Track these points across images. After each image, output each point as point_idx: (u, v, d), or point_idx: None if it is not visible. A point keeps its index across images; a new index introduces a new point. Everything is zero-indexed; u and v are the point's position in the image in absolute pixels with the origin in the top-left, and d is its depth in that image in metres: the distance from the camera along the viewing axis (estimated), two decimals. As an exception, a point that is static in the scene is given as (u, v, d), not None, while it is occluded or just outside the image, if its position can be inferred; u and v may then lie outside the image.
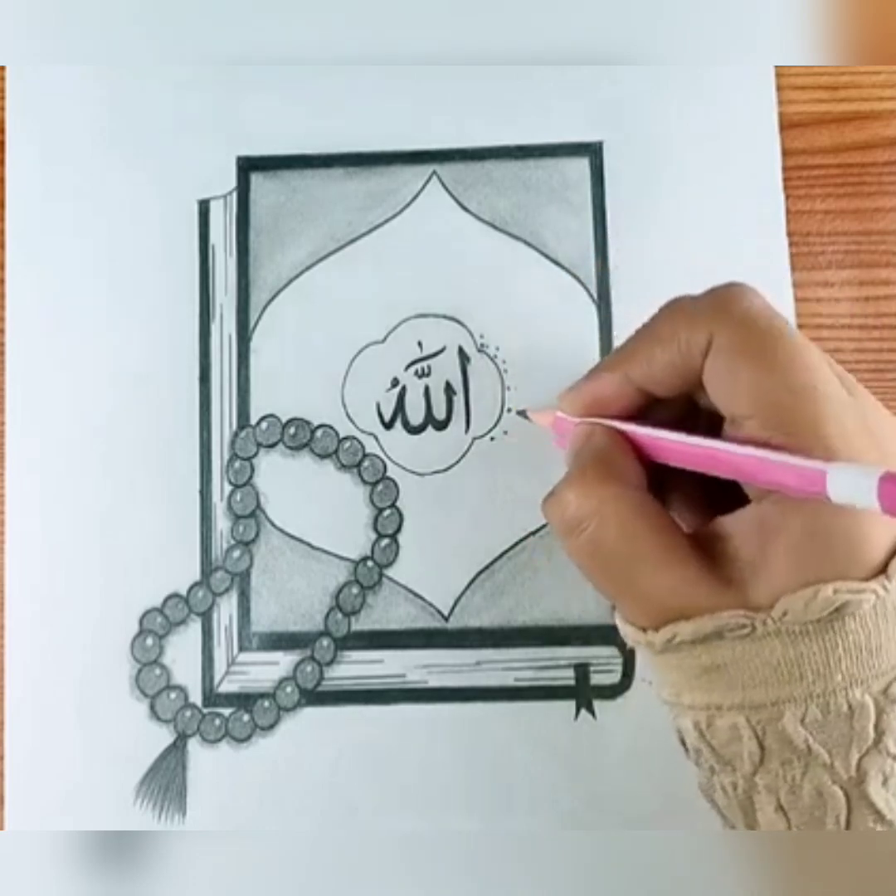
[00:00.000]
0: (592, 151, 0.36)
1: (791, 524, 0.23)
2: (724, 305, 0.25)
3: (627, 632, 0.26)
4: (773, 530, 0.23)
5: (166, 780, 0.33)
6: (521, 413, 0.34)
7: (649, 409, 0.27)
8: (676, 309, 0.26)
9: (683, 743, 0.26)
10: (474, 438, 0.35)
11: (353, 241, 0.36)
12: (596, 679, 0.33)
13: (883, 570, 0.23)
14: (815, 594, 0.22)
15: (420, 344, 0.35)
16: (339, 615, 0.34)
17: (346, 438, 0.35)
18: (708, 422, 0.26)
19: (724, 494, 0.26)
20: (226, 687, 0.34)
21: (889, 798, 0.23)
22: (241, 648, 0.34)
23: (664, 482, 0.28)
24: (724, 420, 0.25)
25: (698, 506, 0.28)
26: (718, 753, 0.25)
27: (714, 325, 0.25)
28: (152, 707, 0.34)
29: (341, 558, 0.34)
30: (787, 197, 0.35)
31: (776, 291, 0.35)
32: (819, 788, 0.23)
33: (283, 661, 0.34)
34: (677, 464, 0.26)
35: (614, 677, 0.33)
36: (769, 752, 0.24)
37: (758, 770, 0.24)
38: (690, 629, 0.24)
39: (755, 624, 0.23)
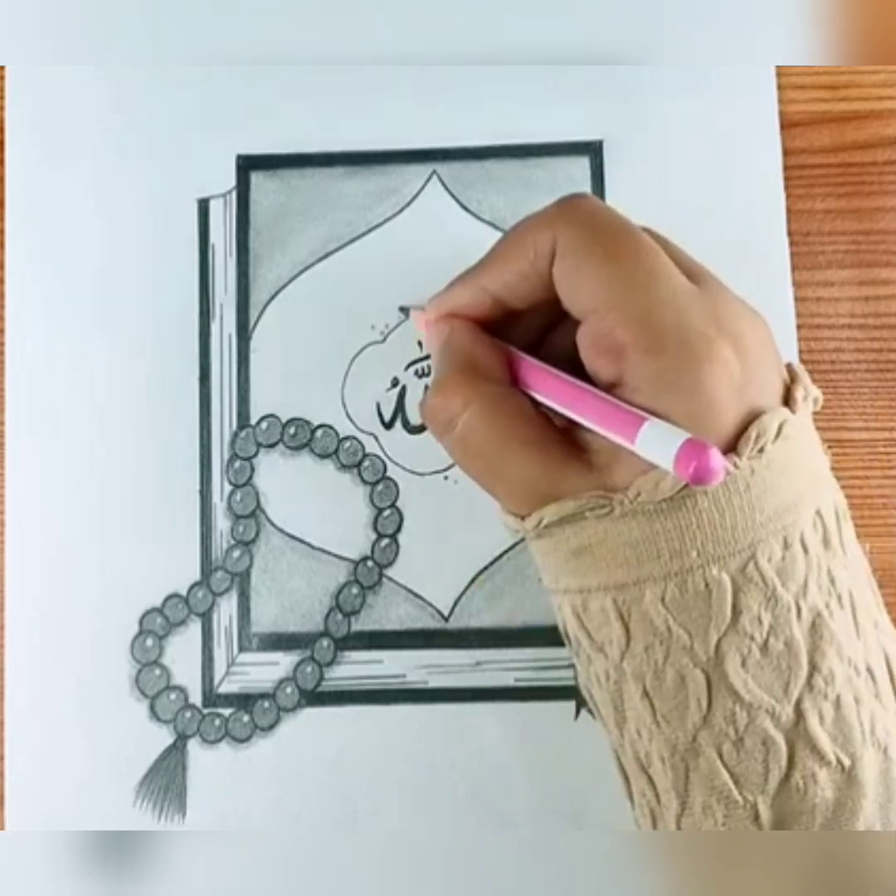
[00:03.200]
0: (592, 151, 0.36)
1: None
2: (567, 209, 0.26)
3: (507, 521, 0.27)
4: None
5: (166, 781, 0.33)
6: (404, 310, 0.35)
7: (512, 323, 0.28)
8: (525, 219, 0.27)
9: (567, 637, 0.27)
10: (474, 438, 0.35)
11: (353, 240, 0.36)
12: (596, 679, 0.33)
13: (733, 447, 0.23)
14: (666, 474, 0.23)
15: (420, 344, 0.35)
16: (339, 615, 0.34)
17: (346, 438, 0.35)
18: (572, 339, 0.27)
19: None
20: (226, 687, 0.34)
21: (747, 679, 0.23)
22: (241, 649, 0.34)
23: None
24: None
25: None
26: (593, 639, 0.26)
27: (559, 227, 0.26)
28: (152, 707, 0.34)
29: (341, 558, 0.34)
30: (787, 197, 0.35)
31: (776, 291, 0.35)
32: (681, 672, 0.24)
33: (283, 662, 0.34)
34: (524, 386, 0.27)
35: (614, 677, 0.33)
36: (634, 636, 0.24)
37: (624, 655, 0.25)
38: (553, 510, 0.25)
39: (613, 504, 0.24)
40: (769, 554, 0.23)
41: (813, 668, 0.23)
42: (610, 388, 0.25)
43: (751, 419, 0.23)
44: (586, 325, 0.25)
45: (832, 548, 0.25)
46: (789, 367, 0.26)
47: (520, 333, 0.28)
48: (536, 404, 0.26)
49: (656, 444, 0.22)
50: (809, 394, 0.25)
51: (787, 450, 0.24)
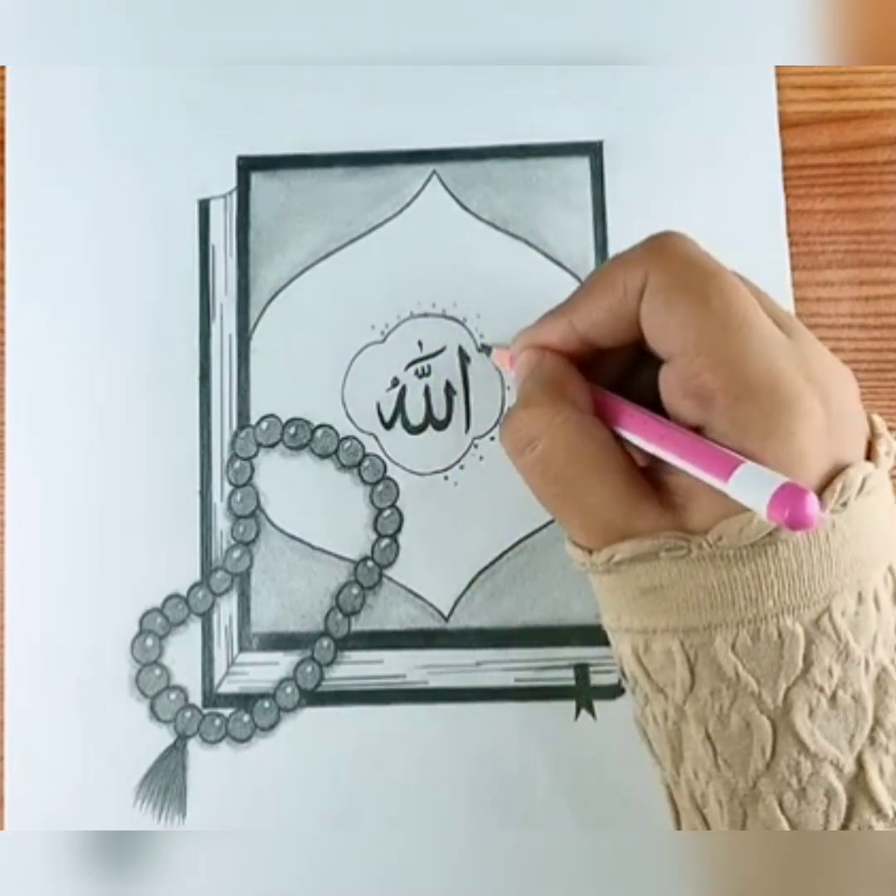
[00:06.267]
0: (592, 151, 0.36)
1: None
2: (659, 247, 0.26)
3: (574, 554, 0.27)
4: None
5: (166, 781, 0.33)
6: (485, 348, 0.35)
7: (596, 363, 0.28)
8: (616, 257, 0.27)
9: (623, 673, 0.27)
10: (474, 438, 0.35)
11: (353, 240, 0.36)
12: (596, 679, 0.33)
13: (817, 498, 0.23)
14: (751, 519, 0.23)
15: (420, 344, 0.35)
16: (339, 615, 0.34)
17: (346, 438, 0.35)
18: (652, 380, 0.26)
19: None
20: (226, 687, 0.34)
21: (814, 729, 0.23)
22: (241, 649, 0.34)
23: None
24: (663, 365, 0.26)
25: None
26: (652, 680, 0.25)
27: (649, 266, 0.25)
28: (152, 707, 0.34)
29: (341, 558, 0.34)
30: (787, 197, 0.35)
31: (776, 291, 0.35)
32: (746, 718, 0.24)
33: (283, 662, 0.34)
34: (610, 424, 0.26)
35: (614, 677, 0.33)
36: (699, 679, 0.24)
37: (687, 698, 0.25)
38: (628, 548, 0.24)
39: (691, 546, 0.24)
40: (843, 607, 0.23)
41: (876, 722, 0.24)
42: (693, 430, 0.24)
43: (835, 471, 0.23)
44: (672, 365, 0.25)
45: None
46: (871, 419, 0.26)
47: (600, 374, 0.28)
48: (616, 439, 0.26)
49: (751, 486, 0.22)
50: (892, 448, 0.25)
51: (868, 504, 0.24)
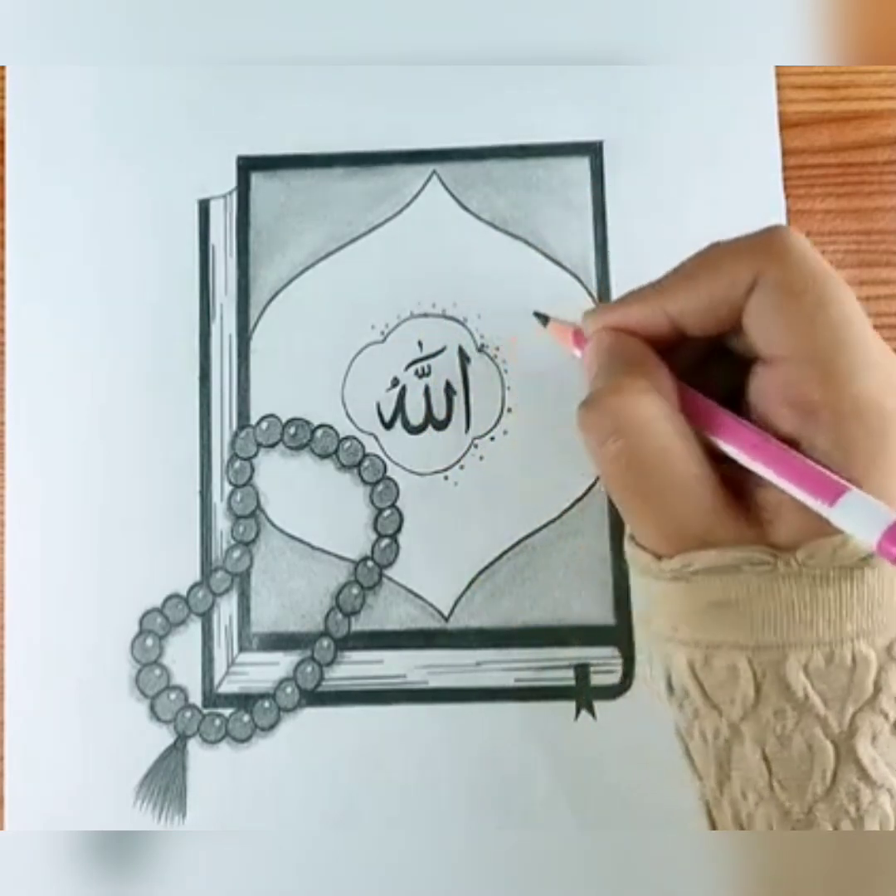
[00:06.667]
0: (592, 151, 0.36)
1: None
2: (775, 241, 0.24)
3: (638, 557, 0.25)
4: None
5: (166, 781, 0.33)
6: (541, 316, 0.32)
7: (670, 352, 0.26)
8: (720, 246, 0.25)
9: (669, 685, 0.26)
10: (474, 438, 0.35)
11: (353, 240, 0.36)
12: (596, 679, 0.33)
13: None
14: (844, 543, 0.22)
15: (420, 344, 0.35)
16: (339, 615, 0.34)
17: (346, 438, 0.35)
18: (731, 373, 0.25)
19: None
20: (226, 687, 0.34)
21: (876, 756, 0.23)
22: (241, 649, 0.34)
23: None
24: (755, 364, 0.25)
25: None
26: (708, 696, 0.24)
27: (763, 263, 0.24)
28: (152, 707, 0.34)
29: (341, 558, 0.34)
30: (787, 197, 0.35)
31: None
32: (809, 741, 0.23)
33: (283, 662, 0.34)
34: (697, 426, 0.25)
35: (614, 677, 0.33)
36: (764, 698, 0.24)
37: (747, 716, 0.24)
38: (709, 558, 0.23)
39: (778, 563, 0.23)
40: None
41: None
42: (787, 440, 0.24)
43: None
44: (774, 369, 0.24)
45: None
46: None
47: (671, 364, 0.26)
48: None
49: (859, 516, 0.21)
50: None
51: None
